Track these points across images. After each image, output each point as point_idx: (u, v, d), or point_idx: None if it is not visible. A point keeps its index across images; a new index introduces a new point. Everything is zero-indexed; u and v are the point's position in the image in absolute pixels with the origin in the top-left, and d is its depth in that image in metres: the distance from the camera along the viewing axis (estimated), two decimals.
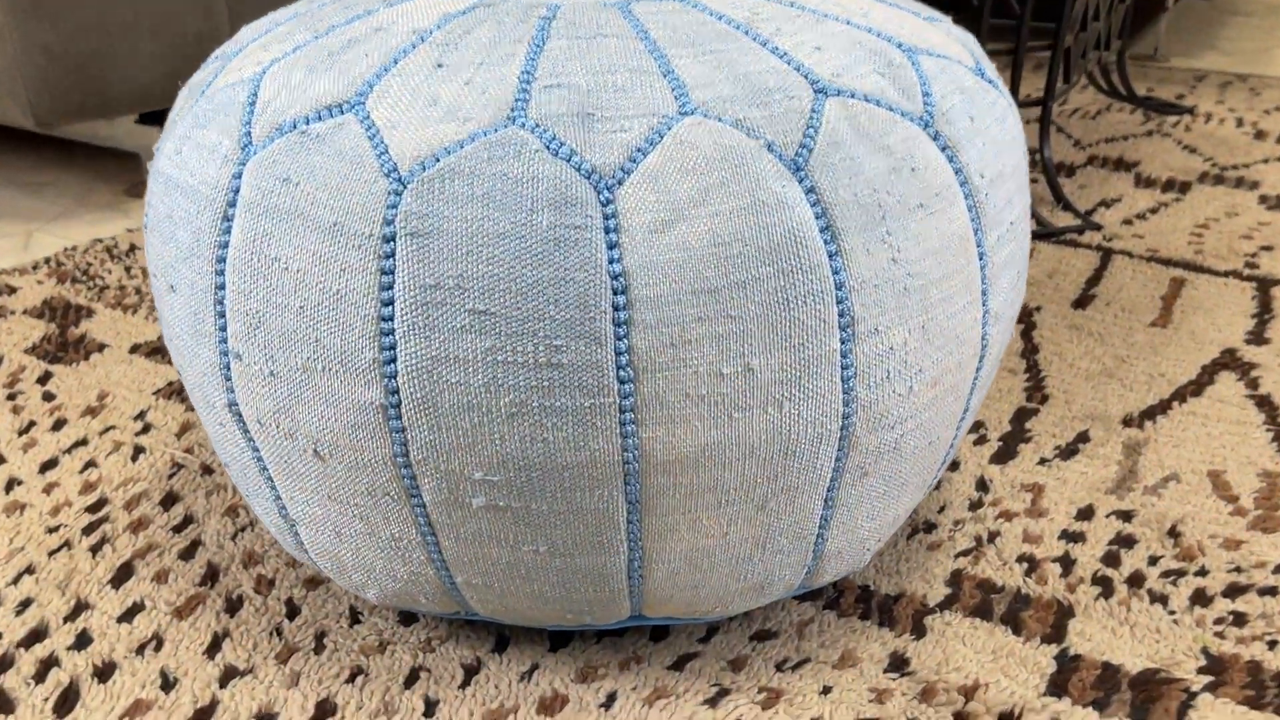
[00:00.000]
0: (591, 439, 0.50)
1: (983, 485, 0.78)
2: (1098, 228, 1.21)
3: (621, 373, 0.49)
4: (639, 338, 0.49)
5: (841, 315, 0.51)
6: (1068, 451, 0.82)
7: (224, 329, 0.54)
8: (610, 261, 0.48)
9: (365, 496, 0.54)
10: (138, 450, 0.83)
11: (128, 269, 1.14)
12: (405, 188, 0.49)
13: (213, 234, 0.53)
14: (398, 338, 0.49)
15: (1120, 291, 1.07)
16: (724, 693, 0.61)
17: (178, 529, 0.75)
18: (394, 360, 0.50)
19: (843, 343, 0.51)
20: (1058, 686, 0.61)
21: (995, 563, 0.71)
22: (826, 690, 0.61)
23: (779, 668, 0.63)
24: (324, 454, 0.54)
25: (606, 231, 0.48)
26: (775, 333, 0.50)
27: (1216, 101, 1.66)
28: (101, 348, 0.99)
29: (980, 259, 0.56)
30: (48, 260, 1.16)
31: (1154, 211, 1.26)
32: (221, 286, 0.53)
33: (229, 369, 0.54)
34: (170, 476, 0.80)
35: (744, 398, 0.50)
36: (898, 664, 0.63)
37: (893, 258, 0.52)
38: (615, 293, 0.48)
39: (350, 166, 0.50)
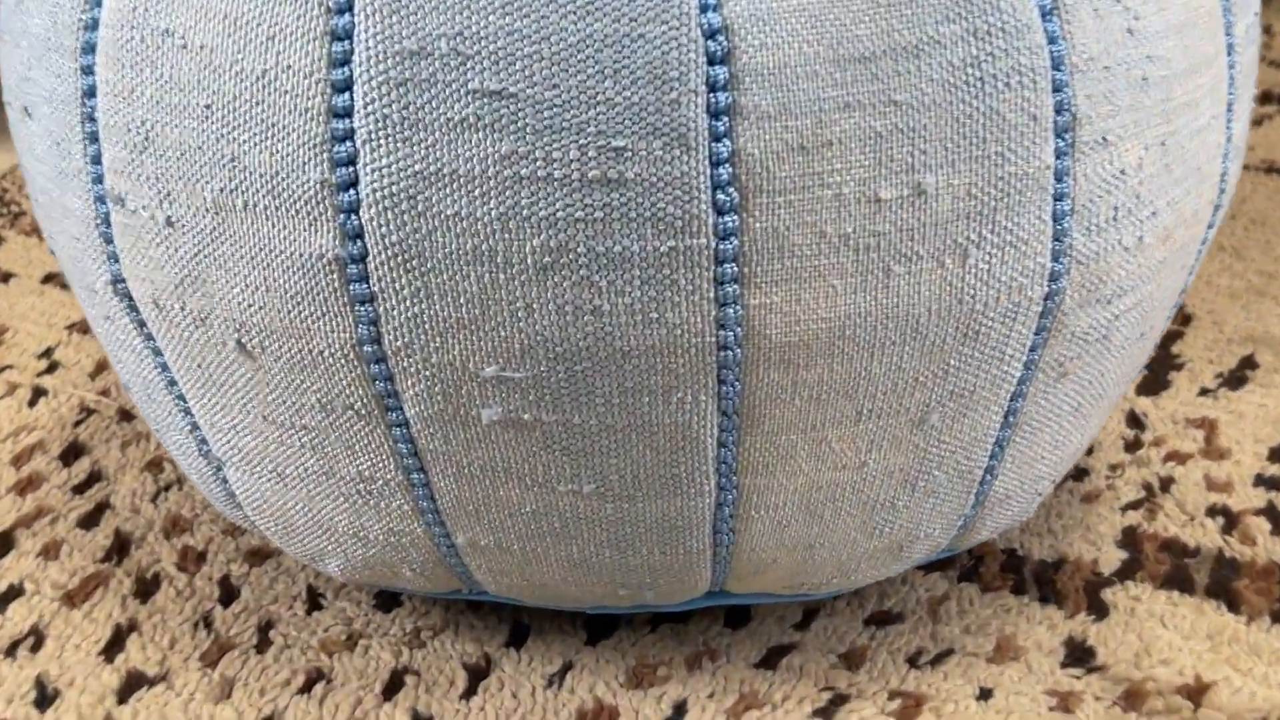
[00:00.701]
0: (669, 309, 0.32)
1: (1135, 421, 0.60)
2: None
3: (720, 195, 0.31)
4: (749, 136, 0.30)
5: (1059, 111, 0.32)
6: (1234, 380, 0.64)
7: (98, 159, 0.35)
8: (703, 10, 0.30)
9: (317, 412, 0.36)
10: (37, 393, 0.65)
11: None
12: None
13: (75, 10, 0.35)
14: (359, 144, 0.31)
15: (1244, 204, 0.89)
16: (840, 699, 0.43)
17: (79, 489, 0.56)
18: (354, 183, 0.31)
19: (1059, 156, 0.33)
20: None
21: (1179, 517, 0.52)
22: (985, 694, 0.43)
23: (912, 663, 0.44)
24: (252, 347, 0.35)
25: None
26: (962, 133, 0.31)
27: None
28: (7, 278, 0.80)
29: (1229, 53, 0.38)
30: None
31: (1258, 124, 1.08)
32: (91, 91, 0.35)
33: (108, 222, 0.36)
34: (76, 424, 0.62)
35: (910, 241, 0.32)
36: (1079, 655, 0.44)
37: (1129, 27, 0.33)
38: (711, 61, 0.30)
39: None
